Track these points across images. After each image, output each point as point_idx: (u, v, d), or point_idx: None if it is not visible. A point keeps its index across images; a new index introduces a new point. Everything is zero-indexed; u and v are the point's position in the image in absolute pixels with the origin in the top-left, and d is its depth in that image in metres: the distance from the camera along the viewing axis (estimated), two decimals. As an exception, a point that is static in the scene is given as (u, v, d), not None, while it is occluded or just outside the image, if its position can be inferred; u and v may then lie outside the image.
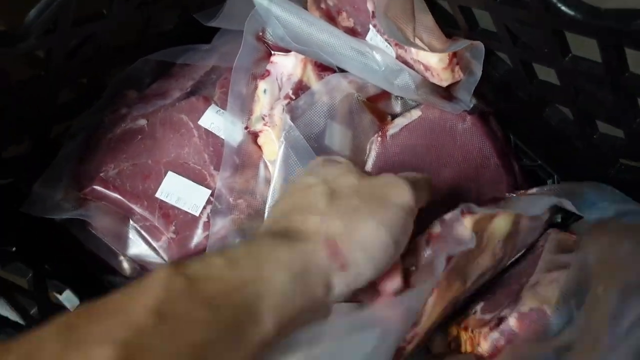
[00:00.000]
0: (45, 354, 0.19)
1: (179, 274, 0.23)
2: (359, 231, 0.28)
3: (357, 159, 0.45)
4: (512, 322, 0.34)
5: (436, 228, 0.36)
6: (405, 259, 0.36)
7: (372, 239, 0.29)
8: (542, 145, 0.49)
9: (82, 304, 0.43)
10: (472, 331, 0.37)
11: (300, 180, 0.33)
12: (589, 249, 0.35)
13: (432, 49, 0.41)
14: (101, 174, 0.42)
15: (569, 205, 0.37)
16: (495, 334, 0.35)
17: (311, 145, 0.42)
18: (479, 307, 0.39)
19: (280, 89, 0.44)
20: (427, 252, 0.36)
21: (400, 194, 0.31)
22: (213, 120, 0.44)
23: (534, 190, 0.41)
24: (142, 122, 0.44)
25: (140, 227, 0.42)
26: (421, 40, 0.41)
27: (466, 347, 0.38)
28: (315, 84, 0.45)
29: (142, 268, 0.44)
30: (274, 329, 0.25)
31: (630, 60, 0.32)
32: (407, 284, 0.34)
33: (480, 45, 0.41)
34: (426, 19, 0.42)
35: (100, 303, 0.22)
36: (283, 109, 0.44)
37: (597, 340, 0.29)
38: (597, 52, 0.32)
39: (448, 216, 0.36)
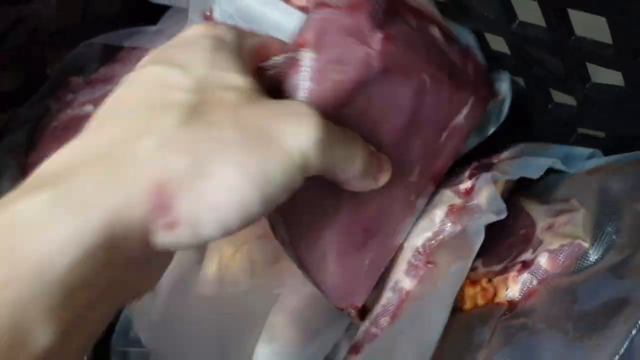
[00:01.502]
0: None
1: None
2: (211, 179, 0.19)
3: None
4: (542, 261, 0.32)
5: (453, 199, 0.34)
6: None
7: (228, 195, 0.19)
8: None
9: None
10: (489, 280, 0.35)
11: (155, 63, 0.22)
12: (609, 184, 0.33)
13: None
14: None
15: (560, 166, 0.36)
16: (524, 276, 0.33)
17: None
18: (478, 262, 0.36)
19: (230, 70, 0.43)
20: (447, 226, 0.34)
21: (299, 133, 0.21)
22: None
23: (506, 153, 0.39)
24: (89, 108, 0.42)
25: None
26: None
27: (477, 300, 0.35)
28: (267, 63, 0.44)
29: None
30: (59, 335, 0.17)
31: (577, 23, 0.32)
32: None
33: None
34: None
35: None
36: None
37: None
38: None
39: (468, 184, 0.34)
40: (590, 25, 0.32)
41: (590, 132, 0.39)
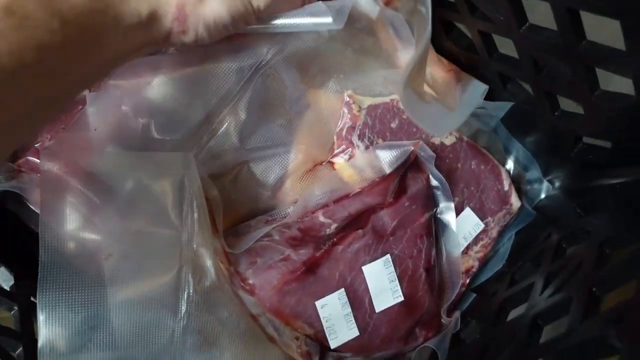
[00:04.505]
0: None
1: None
2: (206, 6, 0.31)
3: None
4: None
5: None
6: None
7: (214, 16, 0.32)
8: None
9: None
10: None
11: None
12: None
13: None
14: (36, 145, 0.40)
15: None
16: None
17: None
18: None
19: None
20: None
21: None
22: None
23: None
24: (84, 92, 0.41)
25: (77, 200, 0.39)
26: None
27: None
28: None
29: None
30: (113, 58, 0.29)
31: (589, 28, 0.31)
32: None
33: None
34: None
35: None
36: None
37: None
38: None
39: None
40: (602, 30, 0.31)
41: (597, 142, 0.38)
